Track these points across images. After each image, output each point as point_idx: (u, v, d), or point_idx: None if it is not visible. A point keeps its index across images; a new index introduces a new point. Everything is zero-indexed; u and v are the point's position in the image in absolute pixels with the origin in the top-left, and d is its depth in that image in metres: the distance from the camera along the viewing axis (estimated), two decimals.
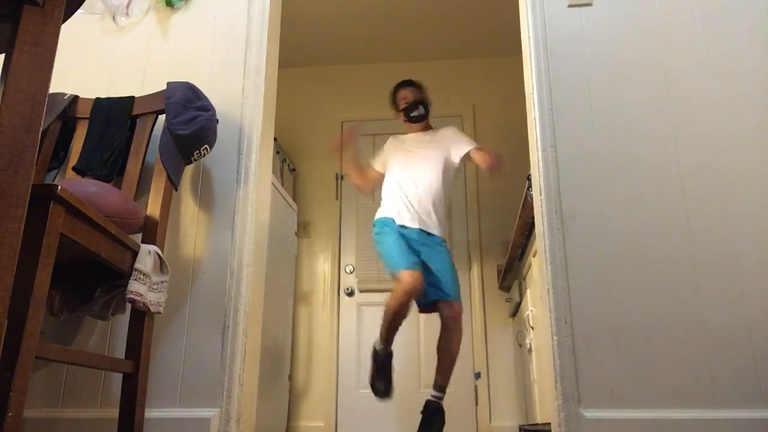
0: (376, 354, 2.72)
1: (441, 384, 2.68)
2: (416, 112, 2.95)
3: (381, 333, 2.66)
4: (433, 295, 2.72)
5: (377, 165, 3.06)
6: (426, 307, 2.79)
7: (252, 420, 1.94)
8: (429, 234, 2.79)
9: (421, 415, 2.64)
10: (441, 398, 2.66)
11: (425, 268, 2.69)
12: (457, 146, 2.89)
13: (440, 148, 2.89)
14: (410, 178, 2.84)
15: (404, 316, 2.59)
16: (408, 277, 2.53)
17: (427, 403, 2.66)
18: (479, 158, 2.82)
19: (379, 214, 2.89)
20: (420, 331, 3.72)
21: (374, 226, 2.90)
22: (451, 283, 2.76)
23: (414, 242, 2.74)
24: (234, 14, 2.21)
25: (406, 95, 2.98)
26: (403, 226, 2.77)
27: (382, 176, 3.01)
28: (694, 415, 1.64)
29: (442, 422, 2.64)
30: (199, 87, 1.92)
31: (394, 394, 2.75)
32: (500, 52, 4.19)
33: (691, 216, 1.82)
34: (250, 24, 2.19)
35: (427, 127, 3.03)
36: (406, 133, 3.06)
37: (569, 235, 1.84)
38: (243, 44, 2.16)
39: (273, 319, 3.30)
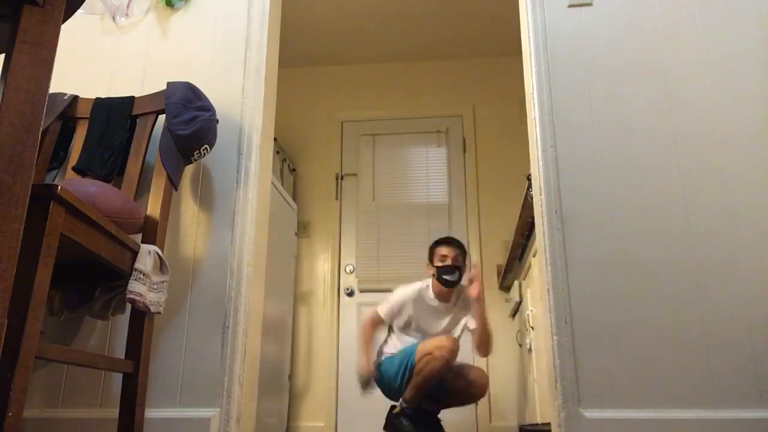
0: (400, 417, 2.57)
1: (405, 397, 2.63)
2: (451, 276, 2.70)
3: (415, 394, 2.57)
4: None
5: (386, 316, 2.80)
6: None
7: (252, 420, 1.94)
8: None
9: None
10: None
11: None
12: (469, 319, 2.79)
13: (461, 316, 2.79)
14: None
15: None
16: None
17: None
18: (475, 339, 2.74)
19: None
20: None
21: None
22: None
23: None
24: (234, 14, 2.21)
25: (447, 253, 2.72)
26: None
27: (382, 324, 2.83)
28: (694, 415, 1.64)
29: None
30: (199, 87, 1.92)
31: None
32: (500, 52, 4.19)
33: (691, 216, 1.82)
34: (250, 24, 2.19)
35: (452, 292, 2.80)
36: (425, 292, 2.80)
37: (569, 235, 1.84)
38: (243, 44, 2.16)
39: (273, 319, 3.30)
